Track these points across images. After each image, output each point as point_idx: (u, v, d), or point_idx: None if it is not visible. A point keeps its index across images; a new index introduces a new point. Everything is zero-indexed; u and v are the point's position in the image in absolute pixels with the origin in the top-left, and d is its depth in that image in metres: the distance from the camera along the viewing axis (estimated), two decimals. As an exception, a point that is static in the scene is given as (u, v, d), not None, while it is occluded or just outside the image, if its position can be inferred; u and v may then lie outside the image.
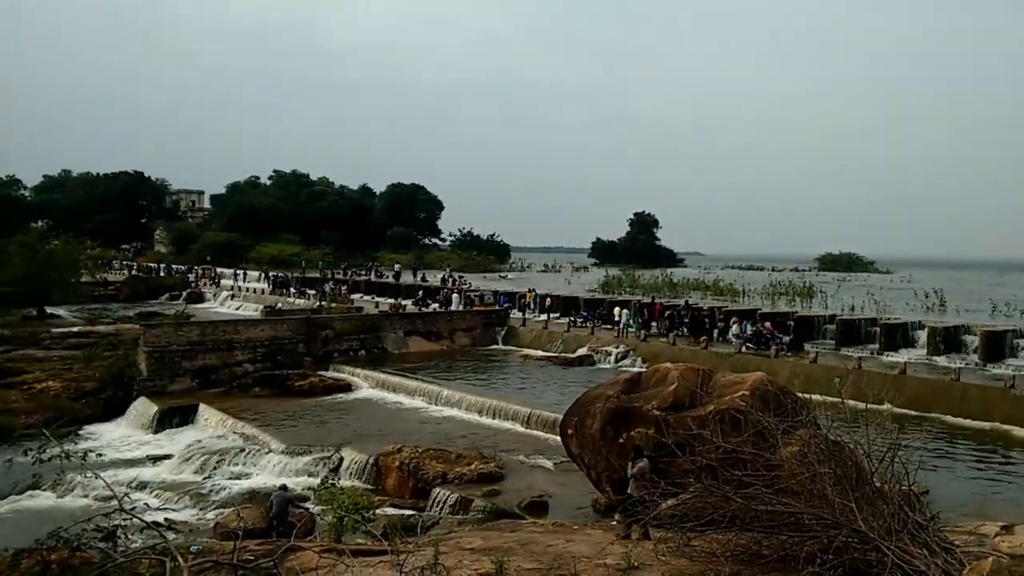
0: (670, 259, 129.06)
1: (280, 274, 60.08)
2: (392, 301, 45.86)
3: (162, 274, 70.26)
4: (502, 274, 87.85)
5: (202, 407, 25.73)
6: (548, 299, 42.82)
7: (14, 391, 26.99)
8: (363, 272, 66.11)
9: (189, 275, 68.04)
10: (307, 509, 15.68)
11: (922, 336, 29.86)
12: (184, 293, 60.08)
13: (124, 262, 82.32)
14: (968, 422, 21.66)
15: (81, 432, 24.51)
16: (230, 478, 19.67)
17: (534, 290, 45.80)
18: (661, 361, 19.55)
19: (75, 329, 40.51)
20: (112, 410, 27.06)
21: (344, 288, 51.84)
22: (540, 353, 34.87)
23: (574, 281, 74.27)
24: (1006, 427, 21.02)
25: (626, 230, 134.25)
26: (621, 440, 13.29)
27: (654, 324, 34.99)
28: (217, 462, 20.53)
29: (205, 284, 63.99)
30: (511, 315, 41.15)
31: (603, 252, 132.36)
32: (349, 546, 10.13)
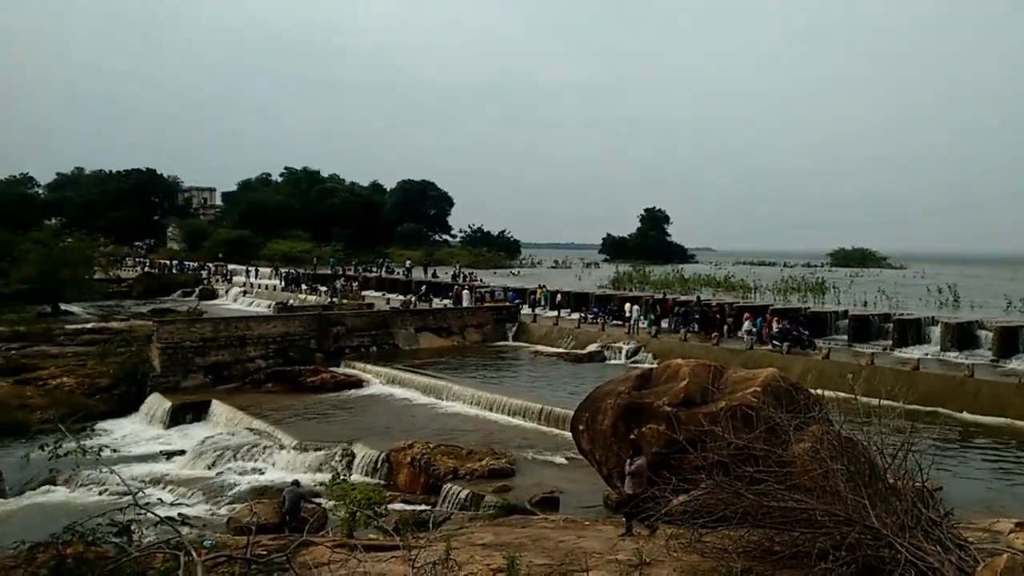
0: (681, 255, 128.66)
1: (291, 271, 60.30)
2: (403, 297, 45.99)
3: (175, 271, 70.70)
4: (512, 270, 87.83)
5: (215, 403, 25.88)
6: (559, 295, 42.80)
7: (29, 387, 27.24)
8: (374, 269, 66.27)
9: (201, 272, 68.40)
10: (319, 504, 15.75)
11: (935, 332, 29.66)
12: (196, 290, 60.47)
13: (137, 259, 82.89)
14: (982, 418, 21.52)
15: (95, 428, 24.82)
16: (242, 473, 19.78)
17: (544, 286, 45.78)
18: (672, 357, 19.52)
19: (89, 326, 40.86)
20: (126, 406, 27.26)
21: (355, 284, 51.97)
22: (551, 349, 34.87)
23: (584, 277, 74.20)
24: (1020, 423, 20.88)
25: (637, 226, 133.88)
26: (632, 436, 13.27)
27: (666, 320, 34.90)
28: (230, 458, 20.65)
29: (217, 281, 64.31)
30: (522, 311, 41.16)
31: (614, 248, 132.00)
32: (361, 541, 10.17)
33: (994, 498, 15.10)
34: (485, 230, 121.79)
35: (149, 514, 9.34)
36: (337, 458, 19.66)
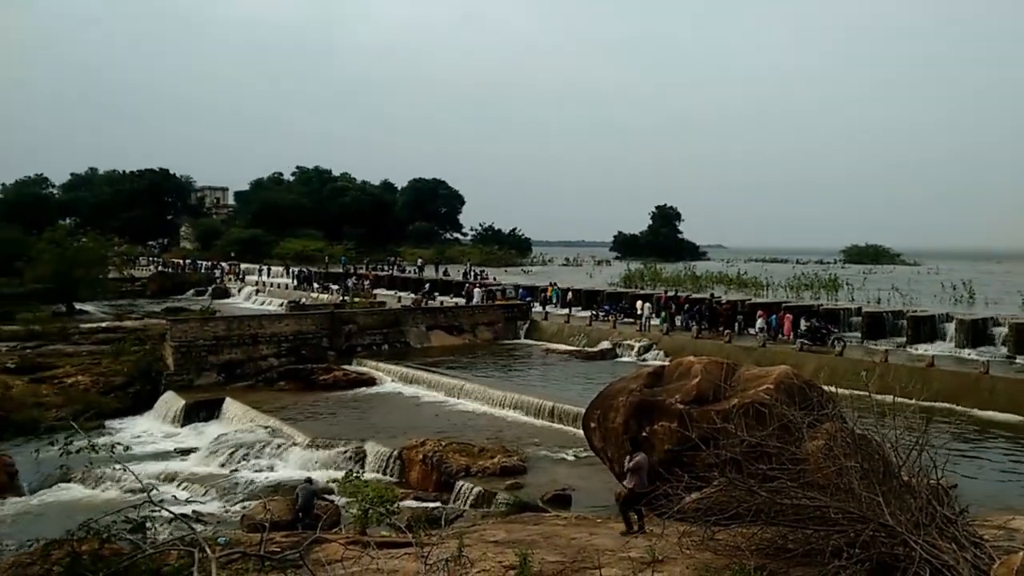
0: (693, 252, 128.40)
1: (304, 269, 60.53)
2: (414, 296, 46.09)
3: (188, 270, 71.09)
4: (524, 268, 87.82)
5: (228, 401, 26.01)
6: (570, 293, 42.78)
7: (45, 385, 27.46)
8: (385, 267, 66.44)
9: (215, 271, 68.75)
10: (332, 501, 15.81)
11: (950, 329, 29.45)
12: (209, 289, 60.77)
13: (150, 258, 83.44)
14: (997, 415, 21.35)
15: (110, 425, 25.00)
16: (256, 471, 19.87)
17: (555, 284, 45.76)
18: (684, 355, 19.48)
19: (103, 325, 41.14)
20: (140, 404, 27.44)
21: (367, 283, 52.12)
22: (562, 347, 34.86)
23: (596, 275, 74.06)
24: (1036, 421, 20.69)
25: (648, 223, 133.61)
26: (645, 433, 13.26)
27: (679, 318, 34.75)
28: (243, 455, 20.75)
29: (230, 280, 64.62)
30: (533, 309, 41.16)
31: (625, 246, 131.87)
32: (374, 538, 10.20)
33: (1010, 495, 14.98)
34: (496, 228, 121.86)
35: (163, 511, 9.39)
36: (349, 455, 19.73)
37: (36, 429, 21.50)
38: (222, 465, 20.44)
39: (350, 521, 13.81)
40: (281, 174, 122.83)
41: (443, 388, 26.47)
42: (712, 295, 39.43)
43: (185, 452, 22.06)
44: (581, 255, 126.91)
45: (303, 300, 45.35)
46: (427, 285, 50.02)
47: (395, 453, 19.23)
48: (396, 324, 35.55)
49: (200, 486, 18.81)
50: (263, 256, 79.00)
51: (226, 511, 17.17)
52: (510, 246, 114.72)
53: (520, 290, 44.60)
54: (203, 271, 69.85)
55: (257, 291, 56.89)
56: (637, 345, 32.67)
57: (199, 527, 9.80)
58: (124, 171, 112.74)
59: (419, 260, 71.07)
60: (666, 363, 17.86)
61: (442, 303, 43.03)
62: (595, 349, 33.32)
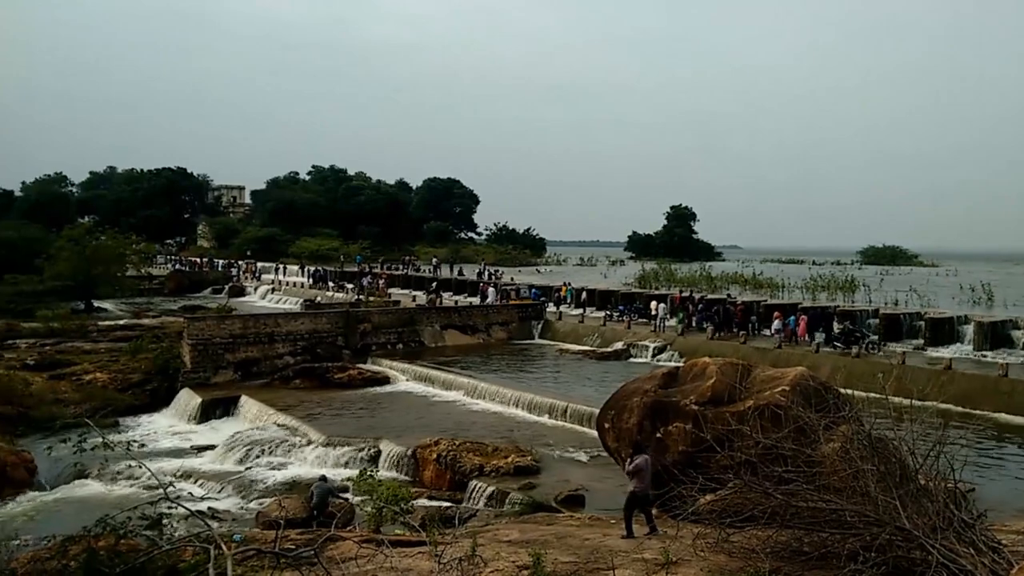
0: (708, 253, 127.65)
1: (320, 269, 60.80)
2: (442, 295, 46.16)
3: (205, 269, 71.59)
4: (538, 268, 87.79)
5: (244, 398, 26.18)
6: (584, 293, 42.71)
7: (64, 382, 27.75)
8: (400, 266, 66.62)
9: (231, 269, 69.19)
10: (347, 500, 15.87)
11: (968, 331, 29.17)
12: (226, 287, 61.23)
13: (168, 257, 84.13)
14: (1016, 419, 21.10)
15: (127, 422, 25.23)
16: (271, 468, 19.99)
17: (569, 284, 45.71)
18: (699, 356, 19.39)
19: (121, 322, 41.62)
20: (157, 401, 27.69)
21: (381, 282, 52.31)
22: (576, 347, 34.82)
23: (610, 275, 73.92)
24: (1057, 425, 20.44)
25: (663, 223, 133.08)
26: (659, 435, 13.21)
27: (695, 318, 34.54)
28: (259, 453, 20.88)
29: (247, 278, 65.00)
30: (547, 309, 41.14)
31: (639, 246, 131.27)
32: (388, 537, 10.24)
33: (1029, 500, 14.80)
34: (510, 228, 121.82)
35: (180, 508, 9.47)
36: (363, 454, 19.81)
37: (55, 425, 21.70)
38: (238, 462, 20.59)
39: (364, 519, 13.89)
40: (297, 173, 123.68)
41: (457, 387, 26.51)
42: (728, 295, 39.25)
43: (201, 449, 22.22)
44: (595, 255, 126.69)
45: (318, 299, 45.59)
46: (434, 284, 50.36)
47: (409, 452, 19.28)
48: (411, 323, 35.65)
49: (216, 483, 18.95)
50: (279, 255, 79.43)
51: (241, 508, 17.30)
52: (524, 246, 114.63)
53: (533, 290, 44.57)
54: (220, 270, 70.32)
55: (273, 290, 57.24)
56: (651, 346, 32.58)
57: (215, 524, 9.87)
58: (142, 170, 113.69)
59: (433, 259, 71.18)
60: (681, 364, 17.80)
61: (456, 302, 43.09)
62: (609, 349, 33.26)
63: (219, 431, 23.94)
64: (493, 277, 53.71)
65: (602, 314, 38.75)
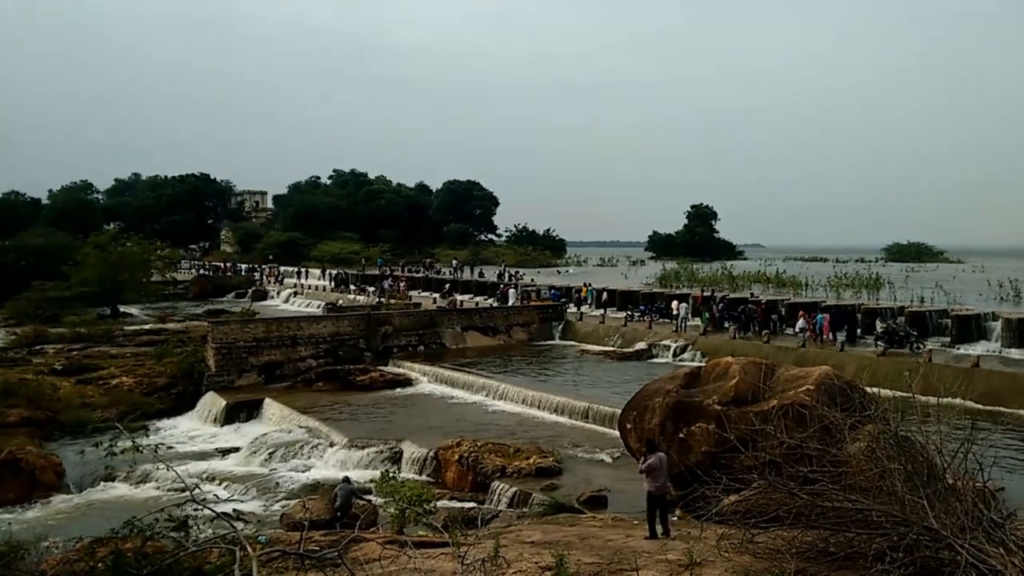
0: (729, 252, 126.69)
1: (341, 272, 61.16)
2: (454, 296, 46.26)
3: (228, 273, 72.28)
4: (558, 269, 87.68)
5: (267, 401, 26.39)
6: (605, 293, 42.58)
7: (91, 386, 28.14)
8: (420, 269, 66.87)
9: (254, 274, 69.80)
10: (370, 501, 15.94)
11: (996, 328, 28.68)
12: (249, 291, 61.74)
13: (192, 262, 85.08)
14: (1047, 417, 20.73)
15: (153, 425, 25.51)
16: (295, 470, 20.15)
17: (590, 284, 45.59)
18: (721, 355, 19.26)
19: (147, 327, 42.13)
20: (182, 404, 28.00)
21: (402, 284, 52.54)
22: (597, 348, 34.73)
23: (631, 275, 73.61)
24: (1089, 423, 20.05)
25: (683, 223, 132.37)
26: (681, 435, 13.16)
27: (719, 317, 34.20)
28: (282, 455, 21.06)
29: (270, 282, 65.54)
30: (568, 310, 41.07)
31: (660, 245, 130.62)
32: (411, 538, 10.26)
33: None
34: (530, 229, 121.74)
35: (205, 510, 9.54)
36: (386, 455, 19.89)
37: (83, 429, 22.02)
38: (262, 464, 20.76)
39: (387, 521, 13.92)
40: (318, 177, 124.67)
41: (478, 389, 26.55)
42: (751, 294, 38.95)
43: (226, 452, 22.44)
44: (616, 255, 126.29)
45: (340, 302, 45.84)
46: (447, 286, 50.69)
47: (431, 453, 19.34)
48: (432, 325, 35.76)
49: (241, 485, 19.12)
50: (301, 259, 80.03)
51: (266, 510, 17.43)
52: (544, 247, 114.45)
53: (552, 291, 44.52)
54: (243, 274, 70.97)
55: (295, 293, 57.64)
56: (673, 346, 32.42)
57: (240, 526, 9.93)
58: (166, 176, 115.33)
59: (454, 261, 71.42)
60: (703, 364, 17.70)
61: (476, 304, 43.14)
62: (630, 350, 33.14)
63: (243, 433, 24.16)
64: (513, 279, 53.72)
65: (623, 314, 38.60)
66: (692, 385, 14.17)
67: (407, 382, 28.95)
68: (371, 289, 52.11)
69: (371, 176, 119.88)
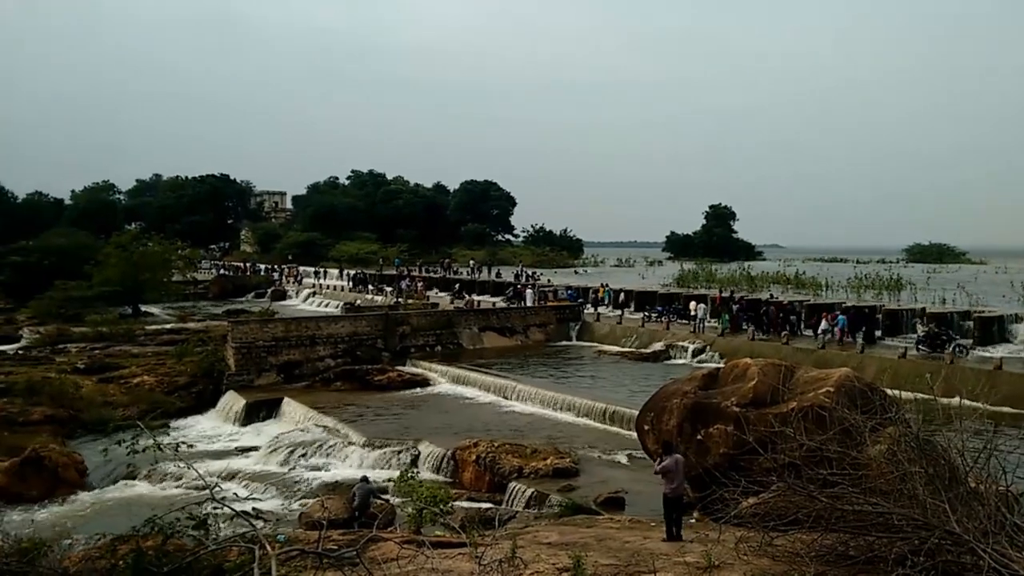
0: (748, 252, 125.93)
1: (360, 272, 61.42)
2: (466, 297, 46.34)
3: (248, 273, 72.75)
4: (575, 269, 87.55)
5: (286, 400, 26.55)
6: (622, 294, 42.47)
7: (112, 385, 28.46)
8: (439, 269, 67.00)
9: (274, 274, 70.22)
10: (388, 501, 15.99)
11: (1019, 330, 28.39)
12: (269, 291, 62.16)
13: (212, 262, 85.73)
14: (1072, 421, 20.44)
15: (173, 424, 25.76)
16: (313, 469, 20.24)
17: (607, 285, 45.50)
18: (740, 357, 19.11)
19: (168, 326, 42.50)
20: (203, 403, 28.24)
21: (420, 285, 52.68)
22: (615, 348, 34.64)
23: (648, 276, 73.43)
24: (1115, 426, 19.75)
25: (701, 223, 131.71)
26: (699, 437, 13.09)
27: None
28: (301, 454, 21.16)
29: (289, 282, 65.92)
30: (585, 310, 41.01)
31: (678, 246, 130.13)
32: (428, 538, 10.29)
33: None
34: (547, 229, 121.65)
35: (225, 508, 9.62)
36: (403, 455, 19.94)
37: (105, 427, 22.27)
38: (281, 464, 20.88)
39: (405, 520, 13.96)
40: (337, 178, 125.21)
41: (495, 389, 26.56)
42: (771, 295, 38.70)
43: (245, 450, 22.59)
44: (633, 256, 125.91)
45: (358, 302, 46.03)
46: (456, 285, 50.89)
47: (448, 453, 19.38)
48: (449, 325, 35.83)
49: (260, 484, 19.24)
50: (320, 259, 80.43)
51: (285, 509, 17.54)
52: (562, 247, 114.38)
53: (569, 291, 44.47)
54: (262, 274, 71.41)
55: (314, 293, 57.94)
56: (691, 347, 32.27)
57: (259, 524, 10.01)
58: (187, 177, 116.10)
59: (471, 261, 71.52)
60: (721, 365, 17.60)
61: (494, 304, 43.16)
62: (648, 351, 33.03)
63: (262, 432, 24.31)
64: (531, 279, 53.71)
65: (640, 315, 38.50)
66: (710, 386, 14.09)
67: (424, 382, 29.02)
68: (389, 289, 52.30)
69: (389, 176, 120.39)
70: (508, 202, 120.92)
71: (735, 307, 34.63)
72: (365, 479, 15.63)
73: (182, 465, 16.75)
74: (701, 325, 33.98)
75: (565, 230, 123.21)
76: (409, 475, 15.12)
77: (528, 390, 25.48)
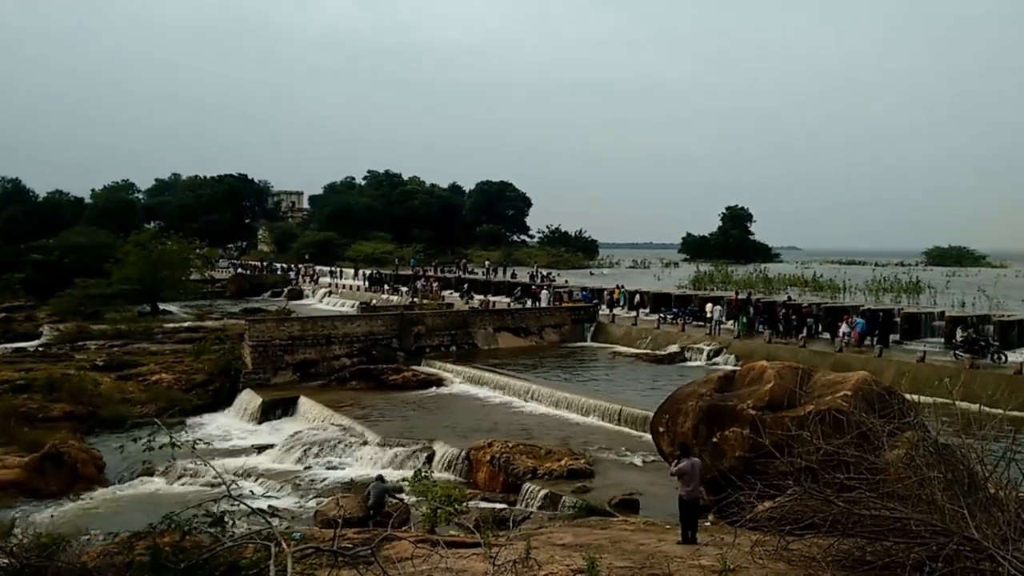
0: (765, 254, 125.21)
1: (376, 272, 61.64)
2: (481, 297, 46.39)
3: (265, 272, 73.20)
4: (591, 270, 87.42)
5: (302, 399, 26.70)
6: (637, 295, 42.35)
7: (130, 382, 28.73)
8: (454, 269, 67.12)
9: (290, 273, 70.60)
10: (402, 500, 16.04)
11: (1041, 334, 27.98)
12: (285, 290, 62.51)
13: (230, 261, 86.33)
14: (1095, 427, 20.14)
15: (191, 422, 25.95)
16: (328, 468, 20.36)
17: (622, 286, 45.38)
18: (756, 359, 19.01)
19: (185, 324, 42.87)
20: (220, 401, 28.46)
21: (435, 285, 52.79)
22: (630, 350, 34.55)
23: (664, 277, 73.19)
24: None
25: (718, 225, 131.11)
26: (715, 439, 13.03)
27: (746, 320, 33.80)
28: (316, 452, 21.30)
29: (305, 282, 66.24)
30: (600, 311, 40.93)
31: (694, 247, 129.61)
32: (443, 537, 10.30)
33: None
34: (563, 230, 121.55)
35: (241, 506, 9.67)
36: (418, 455, 20.00)
37: (123, 424, 22.47)
38: (296, 462, 21.01)
39: (419, 520, 14.01)
40: (353, 178, 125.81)
41: (510, 390, 26.57)
42: (788, 298, 38.46)
43: (261, 448, 22.73)
44: (649, 257, 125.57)
45: (374, 302, 46.21)
46: (465, 285, 51.03)
47: (463, 454, 19.41)
48: (464, 326, 35.88)
49: (275, 481, 19.37)
50: (336, 258, 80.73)
51: (300, 506, 17.64)
52: (577, 248, 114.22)
53: (584, 292, 44.40)
54: (279, 273, 71.82)
55: (330, 293, 58.21)
56: (707, 349, 32.12)
57: (275, 522, 10.07)
58: (205, 176, 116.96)
59: (486, 262, 71.55)
60: (737, 368, 17.52)
61: (508, 305, 43.17)
62: (663, 353, 32.91)
63: (279, 431, 24.47)
64: (546, 280, 53.68)
65: (655, 317, 38.37)
66: (726, 389, 14.03)
67: (439, 382, 29.08)
68: (404, 289, 52.47)
69: (405, 177, 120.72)
70: (523, 203, 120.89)
71: (751, 310, 34.43)
72: (380, 478, 15.70)
73: (199, 462, 16.93)
74: (717, 327, 33.82)
75: (580, 231, 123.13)
76: (423, 474, 15.18)
77: (543, 391, 25.47)
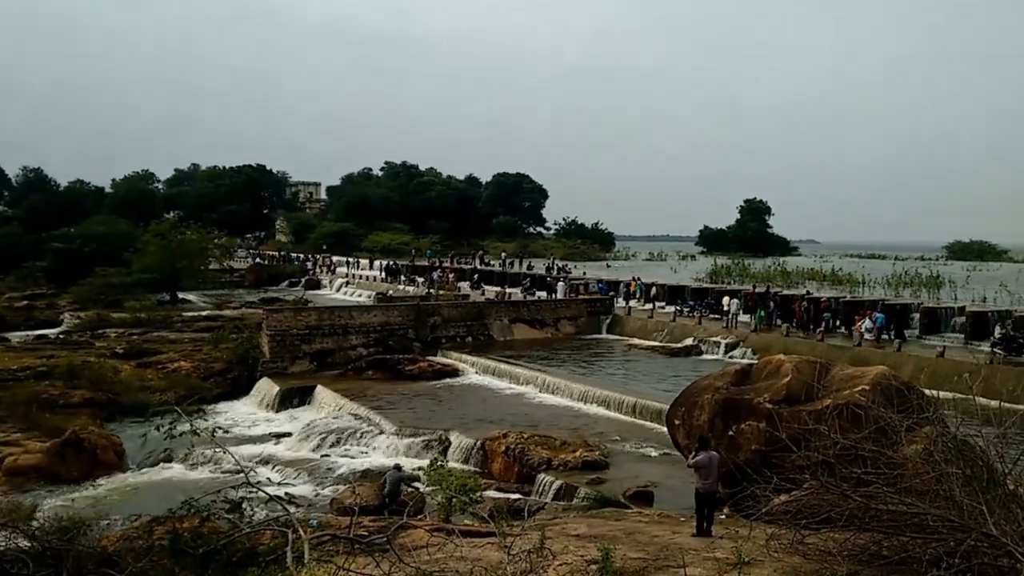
0: (783, 247, 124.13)
1: (392, 263, 61.84)
2: (498, 289, 46.41)
3: (283, 262, 73.61)
4: (607, 263, 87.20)
5: (319, 388, 26.87)
6: (654, 288, 42.18)
7: (150, 370, 29.06)
8: (471, 260, 67.17)
9: (308, 263, 70.96)
10: (418, 489, 16.14)
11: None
12: (303, 280, 62.87)
13: (248, 251, 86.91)
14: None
15: (209, 410, 26.18)
16: (344, 456, 20.50)
17: (639, 278, 45.21)
18: (773, 353, 18.97)
19: (204, 313, 43.29)
20: (238, 389, 28.71)
21: (451, 276, 52.89)
22: (645, 342, 34.45)
23: (680, 270, 72.89)
24: None
25: (736, 217, 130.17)
26: (731, 432, 13.01)
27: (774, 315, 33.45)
28: (333, 441, 21.45)
29: (323, 272, 66.57)
30: (616, 304, 40.84)
31: (711, 240, 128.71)
32: (458, 526, 10.36)
33: None
34: (579, 222, 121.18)
35: (259, 493, 9.79)
36: (433, 445, 20.09)
37: (142, 411, 22.76)
38: (313, 450, 21.18)
39: (434, 509, 14.08)
40: (370, 169, 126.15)
41: (525, 381, 26.59)
42: (807, 292, 38.17)
43: (279, 436, 22.93)
44: (665, 250, 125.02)
45: (390, 292, 46.38)
46: (475, 276, 51.25)
47: (478, 444, 19.47)
48: (480, 317, 35.93)
49: (293, 469, 19.54)
50: (353, 249, 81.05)
51: (316, 494, 17.79)
52: (593, 240, 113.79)
53: (600, 284, 44.27)
54: (297, 263, 72.20)
55: (347, 283, 58.47)
56: (723, 342, 31.96)
57: (292, 509, 10.17)
58: (224, 167, 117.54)
59: (502, 253, 71.56)
60: (754, 361, 17.43)
61: (525, 297, 43.16)
62: (679, 345, 32.80)
63: (296, 419, 24.66)
64: (562, 272, 53.63)
65: (672, 309, 38.21)
66: (742, 382, 13.99)
67: (455, 372, 29.15)
68: (420, 280, 52.59)
69: (422, 168, 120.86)
70: (540, 194, 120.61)
71: (770, 304, 34.17)
72: (398, 467, 15.79)
73: (217, 450, 17.13)
74: (734, 320, 33.63)
75: (597, 223, 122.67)
76: (439, 464, 15.24)
77: (558, 382, 25.49)
